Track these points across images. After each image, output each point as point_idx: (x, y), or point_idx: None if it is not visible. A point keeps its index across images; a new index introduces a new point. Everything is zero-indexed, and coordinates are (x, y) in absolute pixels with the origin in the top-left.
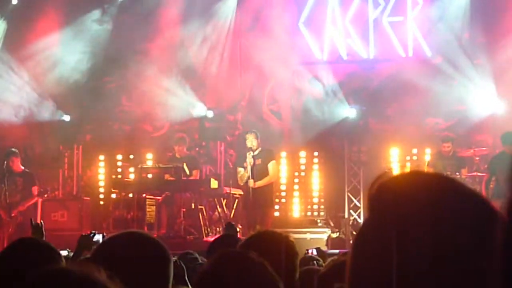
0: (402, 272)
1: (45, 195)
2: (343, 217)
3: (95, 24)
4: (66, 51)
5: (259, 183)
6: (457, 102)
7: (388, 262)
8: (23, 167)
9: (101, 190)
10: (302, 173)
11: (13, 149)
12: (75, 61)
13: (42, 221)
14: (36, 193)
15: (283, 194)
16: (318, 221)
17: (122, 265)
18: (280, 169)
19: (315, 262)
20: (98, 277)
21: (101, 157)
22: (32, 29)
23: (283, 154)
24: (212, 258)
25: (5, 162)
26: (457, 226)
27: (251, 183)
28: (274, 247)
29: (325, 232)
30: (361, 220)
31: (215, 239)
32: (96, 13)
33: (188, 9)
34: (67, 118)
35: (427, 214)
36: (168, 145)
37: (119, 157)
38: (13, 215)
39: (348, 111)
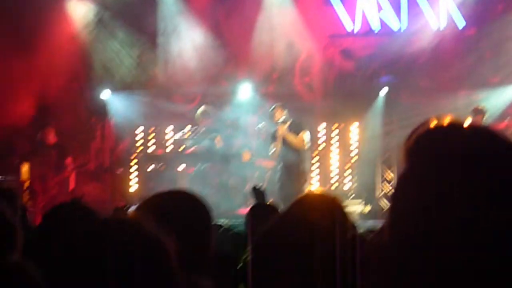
0: (440, 220)
1: (82, 167)
2: (376, 188)
3: None
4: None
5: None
6: (490, 74)
7: (426, 209)
8: (56, 139)
9: (137, 162)
10: (336, 145)
11: (47, 122)
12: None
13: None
14: (69, 165)
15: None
16: (350, 193)
17: (168, 218)
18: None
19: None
20: (148, 225)
21: (138, 130)
22: None
23: (322, 125)
24: (272, 220)
25: (39, 134)
26: (493, 175)
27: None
28: (324, 208)
29: (357, 204)
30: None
31: (252, 208)
32: None
33: None
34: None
35: (465, 164)
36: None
37: (154, 128)
38: (50, 185)
39: (379, 84)
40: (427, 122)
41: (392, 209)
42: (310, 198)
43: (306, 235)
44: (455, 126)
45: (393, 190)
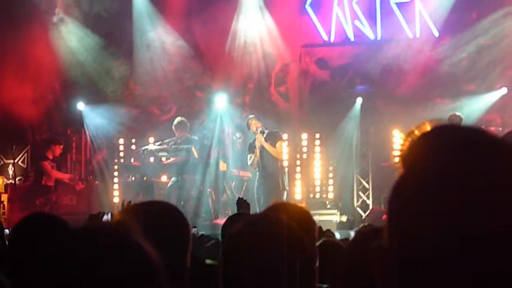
0: (444, 224)
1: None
2: (352, 198)
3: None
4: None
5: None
6: (465, 82)
7: (428, 217)
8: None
9: (115, 174)
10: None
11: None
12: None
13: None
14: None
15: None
16: (327, 203)
17: (147, 228)
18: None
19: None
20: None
21: (114, 142)
22: None
23: (304, 135)
24: (242, 221)
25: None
26: (489, 175)
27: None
28: (292, 215)
29: (334, 214)
30: (369, 202)
31: (229, 218)
32: None
33: None
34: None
35: (459, 166)
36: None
37: (133, 140)
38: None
39: (355, 92)
40: (420, 127)
41: (390, 214)
42: (280, 206)
43: (273, 236)
44: (451, 127)
45: (389, 197)
